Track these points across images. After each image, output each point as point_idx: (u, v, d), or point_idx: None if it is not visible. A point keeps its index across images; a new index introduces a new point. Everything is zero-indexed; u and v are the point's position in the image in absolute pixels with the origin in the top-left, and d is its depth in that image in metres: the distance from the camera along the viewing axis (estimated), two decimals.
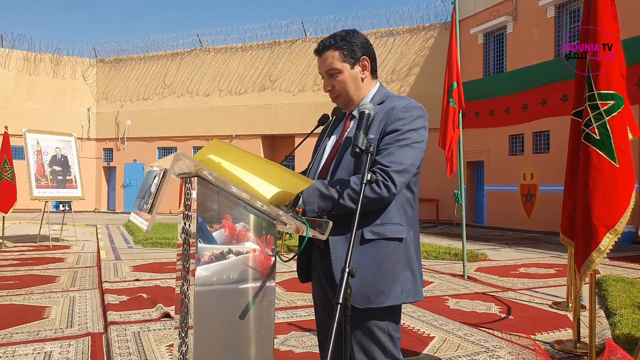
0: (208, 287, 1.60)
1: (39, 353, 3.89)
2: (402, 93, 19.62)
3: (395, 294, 1.84)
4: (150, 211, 1.51)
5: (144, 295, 5.89)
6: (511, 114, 15.98)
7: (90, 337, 4.35)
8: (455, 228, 16.43)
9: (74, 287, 6.50)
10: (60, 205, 21.97)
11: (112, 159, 25.40)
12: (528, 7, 15.72)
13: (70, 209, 13.99)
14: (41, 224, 11.71)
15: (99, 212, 24.69)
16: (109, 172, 25.80)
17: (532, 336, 4.34)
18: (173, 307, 5.22)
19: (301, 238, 1.80)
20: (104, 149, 25.53)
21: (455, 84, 6.97)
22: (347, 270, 1.43)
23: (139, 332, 4.43)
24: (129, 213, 22.12)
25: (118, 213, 23.81)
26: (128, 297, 5.78)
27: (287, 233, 1.73)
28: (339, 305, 1.38)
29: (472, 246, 10.76)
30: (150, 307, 5.33)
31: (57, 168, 11.46)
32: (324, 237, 1.66)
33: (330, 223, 1.66)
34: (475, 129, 16.86)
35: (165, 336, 4.29)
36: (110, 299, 5.66)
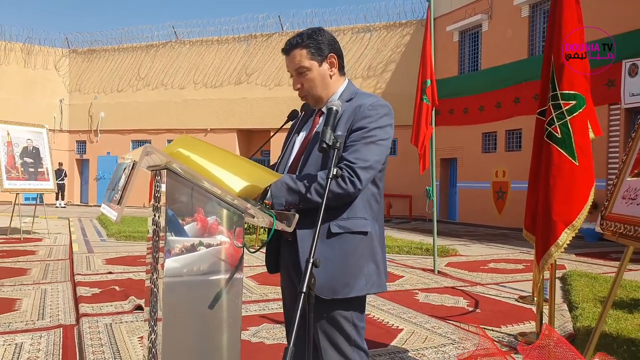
0: (177, 278, 1.65)
1: (9, 344, 3.87)
2: (378, 89, 19.74)
3: (360, 285, 1.92)
4: (119, 202, 1.55)
5: (117, 287, 5.87)
6: (485, 111, 16.26)
7: (61, 329, 4.34)
8: (427, 224, 16.64)
9: (45, 280, 6.44)
10: (57, 203, 21.74)
11: (85, 151, 25.01)
12: (503, 6, 15.96)
13: (43, 205, 13.73)
14: (12, 216, 11.48)
15: (71, 204, 24.31)
16: (82, 164, 25.41)
17: (497, 328, 4.48)
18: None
19: (269, 230, 1.86)
20: (76, 141, 25.12)
21: (429, 81, 7.07)
22: (311, 260, 1.49)
23: (111, 324, 4.44)
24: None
25: (91, 206, 23.48)
26: (100, 290, 5.76)
27: (262, 227, 1.76)
28: (303, 294, 1.44)
29: (444, 242, 10.94)
30: (123, 299, 5.33)
31: (29, 160, 11.26)
32: (290, 229, 1.72)
33: (297, 215, 1.72)
34: (449, 126, 17.09)
35: (137, 328, 4.30)
36: (82, 291, 5.64)
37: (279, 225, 1.71)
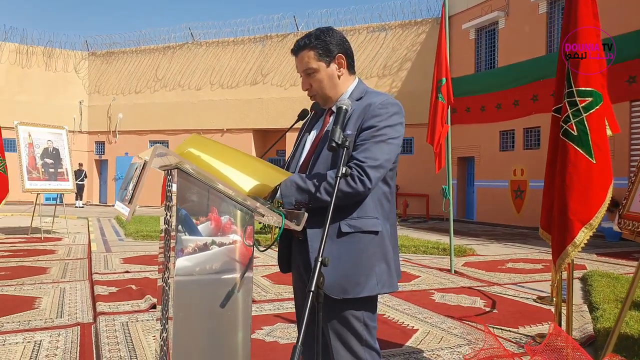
0: (188, 277, 1.66)
1: (29, 342, 3.94)
2: (393, 88, 19.66)
3: (371, 285, 1.91)
4: (130, 201, 1.56)
5: (133, 286, 5.94)
6: (502, 109, 16.09)
7: (79, 327, 4.40)
8: (445, 223, 16.52)
9: (64, 279, 6.53)
10: (77, 203, 22.28)
11: (103, 152, 25.38)
12: (520, 3, 15.79)
13: (63, 205, 13.95)
14: (33, 216, 11.70)
15: (90, 204, 24.66)
16: (101, 165, 25.78)
17: (515, 329, 4.43)
18: None
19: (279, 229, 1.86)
20: (95, 142, 25.51)
21: (444, 79, 7.02)
22: (320, 259, 1.49)
23: (127, 322, 4.49)
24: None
25: (109, 206, 23.77)
26: (117, 289, 5.83)
27: (277, 227, 1.77)
28: (312, 293, 1.44)
29: (461, 241, 10.85)
30: (139, 298, 5.38)
31: (49, 161, 11.46)
32: (299, 228, 1.72)
33: (306, 214, 1.72)
34: (466, 124, 16.96)
35: (153, 326, 4.34)
36: (99, 290, 5.71)
37: (288, 224, 1.71)
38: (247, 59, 22.50)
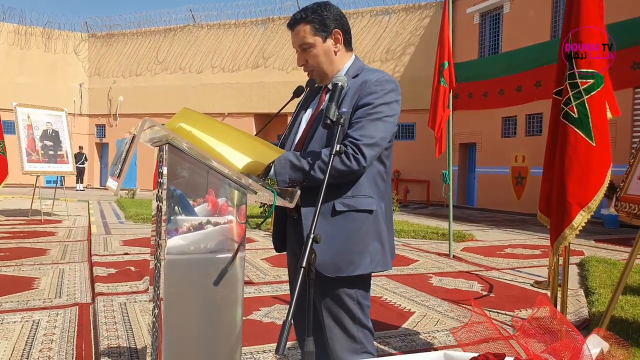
0: (180, 255, 1.65)
1: (27, 321, 3.96)
2: (396, 73, 19.52)
3: (365, 263, 1.90)
4: (119, 175, 1.55)
5: (132, 268, 5.97)
6: (505, 95, 15.98)
7: (77, 307, 4.42)
8: (445, 209, 16.48)
9: (64, 260, 6.55)
10: (78, 185, 22.39)
11: (104, 135, 25.32)
12: None
13: (63, 188, 13.95)
14: (33, 198, 11.70)
15: (91, 187, 24.67)
16: (102, 148, 25.73)
17: (511, 313, 4.44)
18: None
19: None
20: (96, 125, 25.43)
21: (446, 63, 6.97)
22: (312, 236, 1.48)
23: (125, 302, 4.51)
24: (120, 189, 22.02)
25: None
26: (116, 270, 5.84)
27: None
28: (303, 269, 1.43)
29: (461, 227, 10.85)
30: (138, 279, 5.41)
31: (48, 143, 11.44)
32: (291, 205, 1.71)
33: (298, 191, 1.70)
34: (469, 110, 16.86)
35: (150, 307, 4.36)
36: (98, 271, 5.73)
37: (280, 202, 1.70)
38: (249, 42, 22.33)
